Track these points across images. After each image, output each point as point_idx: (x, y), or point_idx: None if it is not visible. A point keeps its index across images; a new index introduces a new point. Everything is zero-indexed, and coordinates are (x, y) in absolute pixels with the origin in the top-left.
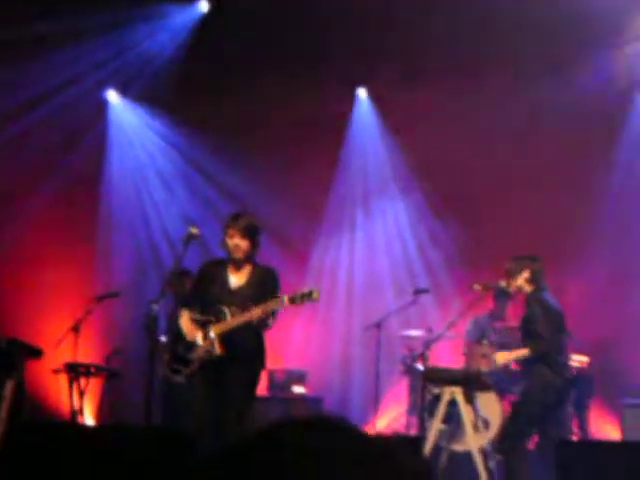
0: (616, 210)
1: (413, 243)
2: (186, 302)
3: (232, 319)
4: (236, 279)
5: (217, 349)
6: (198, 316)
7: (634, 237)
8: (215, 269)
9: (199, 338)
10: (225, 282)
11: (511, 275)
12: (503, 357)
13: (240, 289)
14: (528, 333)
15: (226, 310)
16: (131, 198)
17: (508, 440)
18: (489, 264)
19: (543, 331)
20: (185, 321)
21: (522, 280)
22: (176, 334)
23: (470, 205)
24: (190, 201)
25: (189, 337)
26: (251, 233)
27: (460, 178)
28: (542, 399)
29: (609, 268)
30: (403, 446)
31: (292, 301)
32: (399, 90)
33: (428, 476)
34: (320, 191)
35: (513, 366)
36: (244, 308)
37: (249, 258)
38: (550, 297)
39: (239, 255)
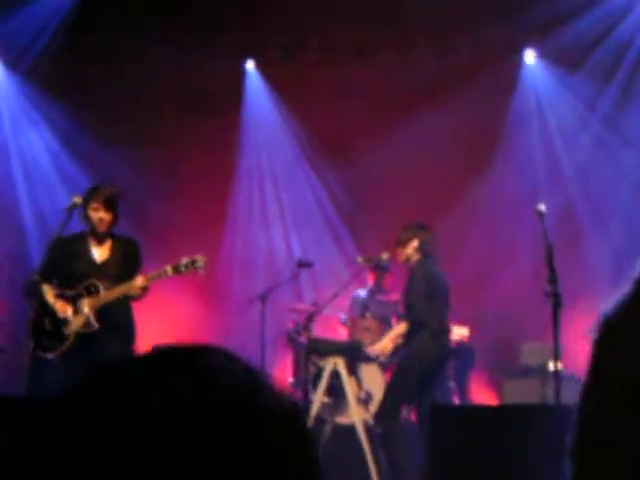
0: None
1: (302, 216)
2: (43, 275)
3: (107, 292)
4: (100, 252)
5: (95, 323)
6: (66, 291)
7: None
8: (74, 243)
9: (70, 313)
10: (89, 256)
11: (401, 244)
12: (380, 347)
13: (106, 263)
14: (407, 303)
15: (98, 283)
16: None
17: (386, 408)
18: (375, 238)
19: (418, 301)
20: (51, 297)
21: (411, 249)
22: (40, 309)
23: (357, 178)
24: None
25: (61, 313)
26: (114, 205)
27: (346, 151)
28: (420, 368)
29: (492, 246)
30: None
31: (176, 270)
32: (286, 62)
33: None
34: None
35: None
36: (115, 282)
37: (110, 230)
38: (435, 267)
39: (103, 229)
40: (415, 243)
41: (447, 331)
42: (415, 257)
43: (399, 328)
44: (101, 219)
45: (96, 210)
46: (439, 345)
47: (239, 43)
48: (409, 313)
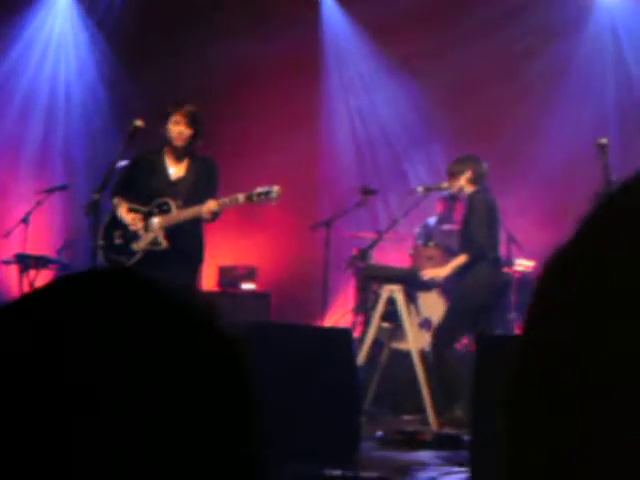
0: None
1: (366, 141)
2: (118, 191)
3: (178, 212)
4: (176, 170)
5: (163, 242)
6: (137, 206)
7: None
8: (152, 159)
9: (141, 227)
10: (165, 173)
11: (453, 175)
12: (434, 272)
13: (181, 180)
14: (465, 233)
15: (170, 202)
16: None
17: (441, 336)
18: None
19: (478, 232)
20: (124, 210)
21: (464, 180)
22: (111, 223)
23: (432, 103)
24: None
25: (133, 227)
26: (196, 121)
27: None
28: (478, 297)
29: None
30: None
31: (249, 199)
32: None
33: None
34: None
35: None
36: (187, 201)
37: (189, 149)
38: (490, 198)
39: (180, 143)
40: (468, 174)
41: (503, 261)
42: (469, 188)
43: (460, 259)
44: (180, 132)
45: (177, 123)
46: (497, 275)
47: None
48: (468, 244)
